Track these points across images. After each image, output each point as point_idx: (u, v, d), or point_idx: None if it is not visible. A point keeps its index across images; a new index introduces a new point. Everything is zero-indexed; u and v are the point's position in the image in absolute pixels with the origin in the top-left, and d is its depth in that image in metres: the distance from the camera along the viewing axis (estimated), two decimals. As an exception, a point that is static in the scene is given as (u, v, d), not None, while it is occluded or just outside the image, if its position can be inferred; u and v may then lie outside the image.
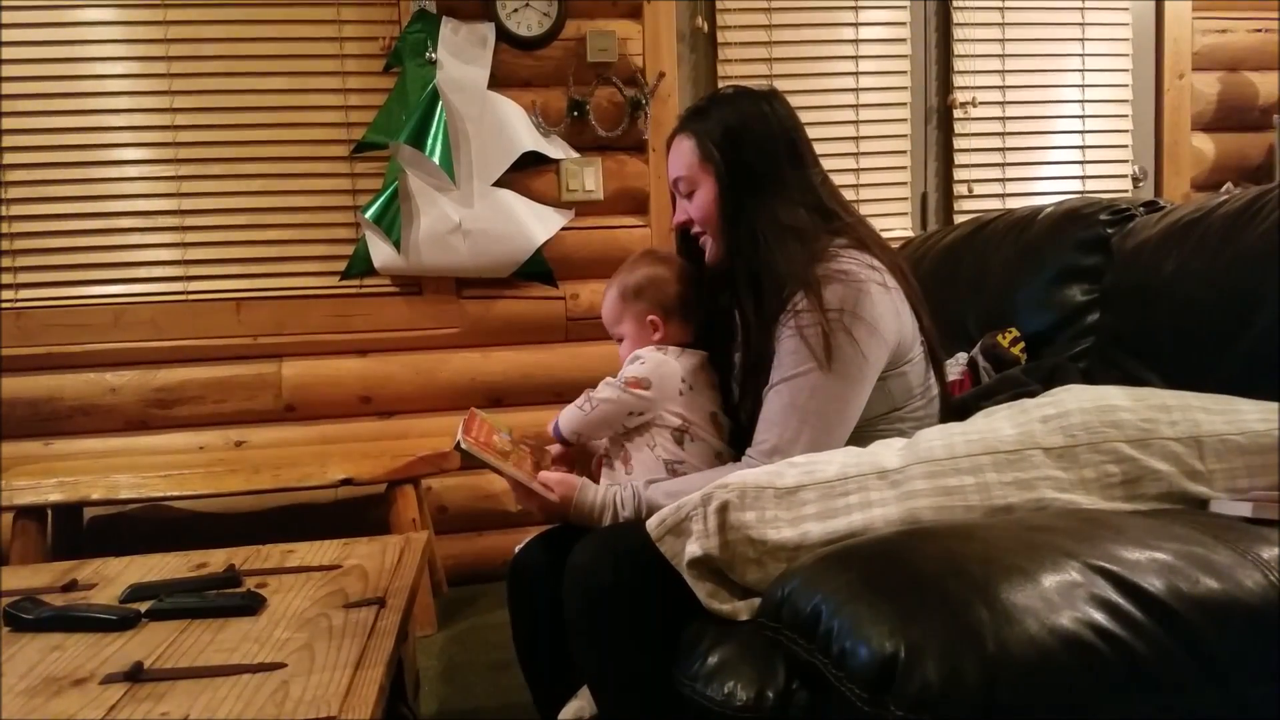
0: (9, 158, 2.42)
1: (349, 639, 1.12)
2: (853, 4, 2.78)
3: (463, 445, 1.22)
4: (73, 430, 2.46)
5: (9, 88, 2.41)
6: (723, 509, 0.97)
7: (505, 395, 2.64)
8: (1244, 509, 0.87)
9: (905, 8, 2.81)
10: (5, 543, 2.17)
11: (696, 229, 1.32)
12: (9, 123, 2.42)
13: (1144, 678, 0.69)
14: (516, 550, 1.37)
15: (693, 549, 0.98)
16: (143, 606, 1.25)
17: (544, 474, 1.27)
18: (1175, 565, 0.75)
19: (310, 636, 1.13)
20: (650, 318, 1.35)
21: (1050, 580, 0.72)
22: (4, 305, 2.42)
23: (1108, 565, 0.74)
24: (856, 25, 2.79)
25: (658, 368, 1.30)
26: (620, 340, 1.40)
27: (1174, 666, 0.70)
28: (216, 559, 1.49)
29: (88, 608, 1.25)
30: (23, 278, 2.45)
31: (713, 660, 0.95)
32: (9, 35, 2.39)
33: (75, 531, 2.37)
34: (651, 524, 1.02)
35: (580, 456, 1.41)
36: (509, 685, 1.91)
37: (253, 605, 1.24)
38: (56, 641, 1.16)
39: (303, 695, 0.96)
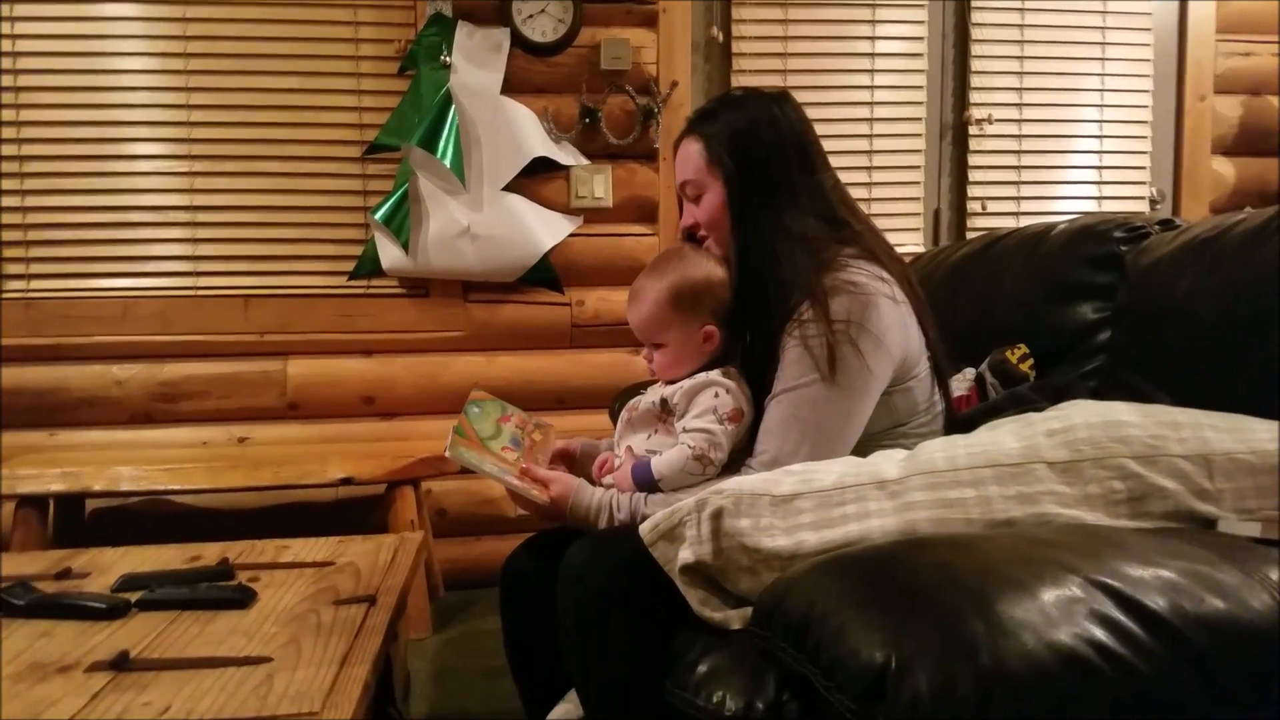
0: (26, 149, 2.44)
1: (336, 636, 1.11)
2: (869, 18, 2.77)
3: (448, 454, 1.21)
4: (77, 422, 2.47)
5: (28, 80, 2.43)
6: (717, 515, 0.95)
7: (508, 400, 2.61)
8: (1252, 529, 0.85)
9: (923, 21, 2.80)
10: (6, 531, 2.17)
11: (701, 233, 1.29)
12: (25, 114, 2.43)
13: (1145, 697, 0.67)
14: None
15: (685, 555, 0.96)
16: (133, 596, 1.24)
17: (541, 471, 1.25)
18: (1180, 584, 0.73)
19: (298, 632, 1.12)
20: (707, 328, 1.21)
21: (1050, 594, 0.70)
22: (15, 295, 2.43)
23: (1110, 581, 0.72)
24: (873, 39, 2.78)
25: (740, 391, 1.19)
26: (656, 348, 1.24)
27: (1176, 686, 0.68)
28: (211, 552, 1.48)
29: (78, 595, 1.24)
30: (34, 268, 2.46)
31: (702, 669, 0.94)
32: (30, 29, 2.42)
33: (77, 523, 2.37)
34: (644, 528, 1.01)
35: (581, 458, 1.40)
36: (500, 692, 1.89)
37: (243, 599, 1.23)
38: (45, 628, 1.15)
39: (286, 690, 0.95)
